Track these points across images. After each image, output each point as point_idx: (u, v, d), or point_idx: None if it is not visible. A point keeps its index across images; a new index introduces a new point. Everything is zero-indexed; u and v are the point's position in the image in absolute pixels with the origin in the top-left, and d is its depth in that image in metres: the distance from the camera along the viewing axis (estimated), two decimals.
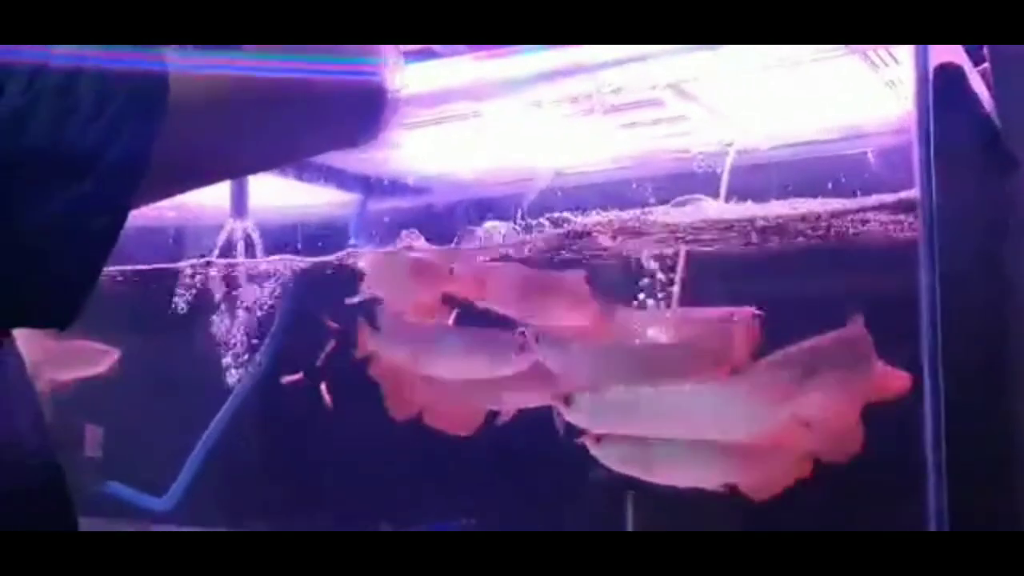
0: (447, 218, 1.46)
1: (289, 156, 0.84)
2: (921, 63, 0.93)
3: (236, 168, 0.85)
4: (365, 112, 0.79)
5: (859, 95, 1.21)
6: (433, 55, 1.14)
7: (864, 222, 1.18)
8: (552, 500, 1.59)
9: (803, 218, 1.21)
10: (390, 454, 1.61)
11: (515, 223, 1.28)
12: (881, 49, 1.08)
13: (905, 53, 1.04)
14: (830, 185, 1.18)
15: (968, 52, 1.22)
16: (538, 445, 1.36)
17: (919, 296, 0.92)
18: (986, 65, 1.32)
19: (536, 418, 1.32)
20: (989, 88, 1.34)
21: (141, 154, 0.63)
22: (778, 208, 1.23)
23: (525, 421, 1.34)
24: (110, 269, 1.54)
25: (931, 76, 0.93)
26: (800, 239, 1.27)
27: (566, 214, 1.27)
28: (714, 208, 1.27)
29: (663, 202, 1.26)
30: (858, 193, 1.14)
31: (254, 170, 0.86)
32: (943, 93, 0.94)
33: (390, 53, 0.82)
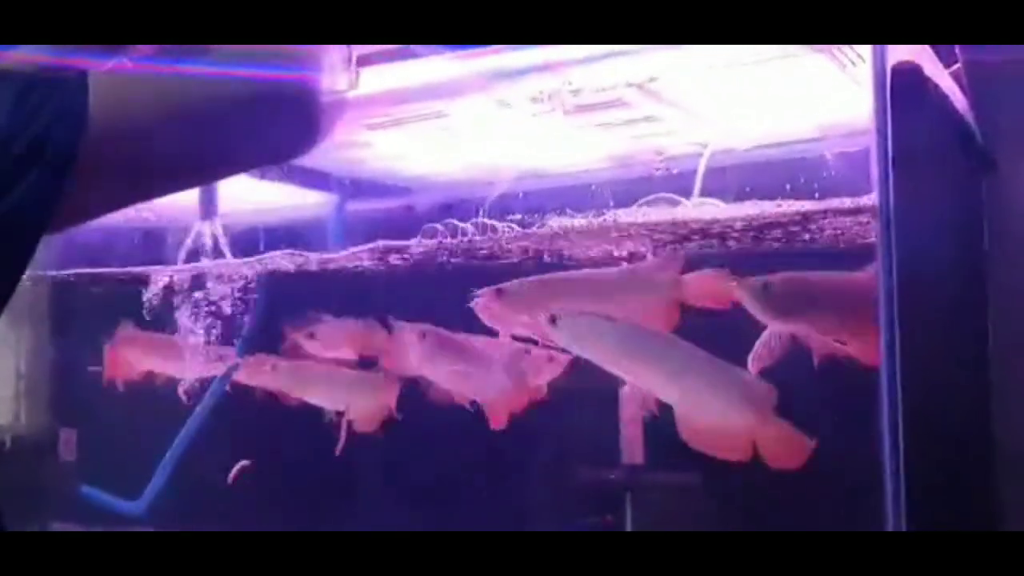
0: (412, 218, 1.46)
1: (214, 168, 0.82)
2: (879, 61, 0.92)
3: (155, 182, 0.82)
4: (294, 121, 0.75)
5: (827, 95, 1.20)
6: (401, 56, 1.14)
7: (832, 223, 1.17)
8: (551, 500, 1.59)
9: (778, 218, 1.21)
10: (371, 453, 1.61)
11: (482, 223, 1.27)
12: (847, 48, 1.07)
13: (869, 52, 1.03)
14: (788, 187, 1.17)
15: (939, 52, 1.21)
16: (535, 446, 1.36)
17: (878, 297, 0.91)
18: (958, 65, 1.31)
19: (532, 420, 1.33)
20: (963, 88, 1.33)
21: (68, 148, 0.63)
22: (752, 208, 1.22)
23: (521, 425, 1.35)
24: (83, 272, 1.53)
25: (888, 74, 0.92)
26: (774, 240, 1.27)
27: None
28: (685, 208, 1.26)
29: (632, 202, 1.25)
30: (819, 195, 1.14)
31: (175, 187, 0.82)
32: (903, 92, 0.93)
33: (336, 55, 0.80)
